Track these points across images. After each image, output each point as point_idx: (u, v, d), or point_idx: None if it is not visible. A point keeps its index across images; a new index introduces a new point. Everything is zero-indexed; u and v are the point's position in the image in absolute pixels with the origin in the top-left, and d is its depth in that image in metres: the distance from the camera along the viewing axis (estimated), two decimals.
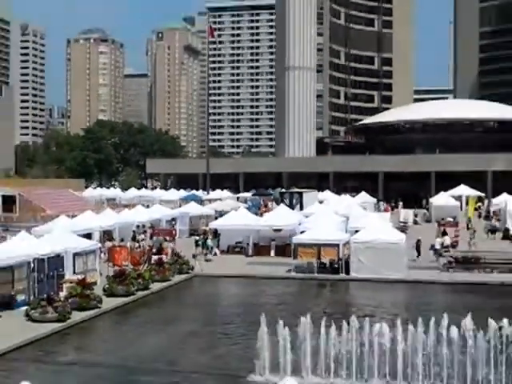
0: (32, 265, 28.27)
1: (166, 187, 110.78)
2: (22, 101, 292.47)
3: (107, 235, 45.17)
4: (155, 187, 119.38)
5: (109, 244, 41.37)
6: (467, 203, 76.81)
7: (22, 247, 28.94)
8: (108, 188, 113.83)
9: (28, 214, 59.34)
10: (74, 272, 31.19)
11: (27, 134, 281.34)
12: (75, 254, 32.05)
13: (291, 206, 65.78)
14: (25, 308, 26.05)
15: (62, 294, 27.33)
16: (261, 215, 57.62)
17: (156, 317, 28.40)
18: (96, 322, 26.97)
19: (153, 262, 36.90)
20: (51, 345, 23.09)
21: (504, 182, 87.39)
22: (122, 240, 45.24)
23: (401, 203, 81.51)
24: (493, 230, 58.71)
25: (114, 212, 54.54)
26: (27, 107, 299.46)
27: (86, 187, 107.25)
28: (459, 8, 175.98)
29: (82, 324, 25.91)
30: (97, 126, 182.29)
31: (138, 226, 51.36)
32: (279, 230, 45.71)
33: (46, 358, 21.66)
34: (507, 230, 56.74)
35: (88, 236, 39.07)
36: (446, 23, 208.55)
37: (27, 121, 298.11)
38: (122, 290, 30.59)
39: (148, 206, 63.49)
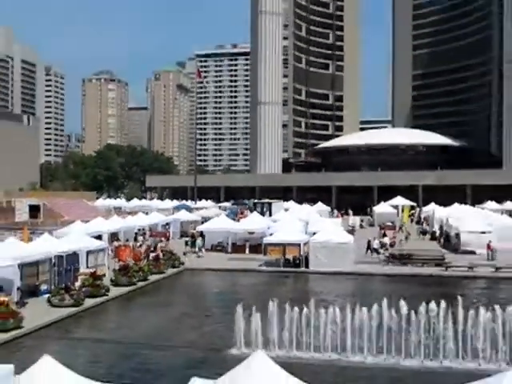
0: (53, 260, 28.29)
1: (161, 198, 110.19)
2: (46, 128, 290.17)
3: (114, 237, 44.88)
4: (153, 198, 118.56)
5: (115, 244, 41.14)
6: (403, 211, 77.64)
7: (45, 246, 28.86)
8: (115, 199, 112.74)
9: (50, 220, 58.85)
10: (87, 266, 31.00)
11: (50, 155, 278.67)
12: (88, 252, 31.88)
13: (262, 213, 65.84)
14: (47, 295, 25.95)
15: (77, 284, 27.14)
16: (238, 220, 57.53)
17: (153, 302, 28.33)
18: (104, 306, 26.86)
19: (151, 258, 36.83)
20: (68, 325, 23.04)
21: (432, 194, 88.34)
22: (126, 240, 44.96)
23: (351, 211, 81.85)
24: (423, 232, 59.52)
25: (120, 218, 54.16)
26: (50, 133, 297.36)
27: (97, 198, 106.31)
28: (396, 55, 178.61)
29: (93, 308, 25.81)
30: (106, 149, 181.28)
31: (139, 229, 51.12)
32: (252, 233, 45.77)
33: (63, 335, 21.62)
34: (434, 232, 57.46)
35: (99, 237, 38.82)
36: (386, 66, 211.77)
37: (50, 144, 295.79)
38: (126, 281, 30.50)
39: (147, 213, 62.99)
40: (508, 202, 79.18)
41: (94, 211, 64.68)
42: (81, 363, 16.34)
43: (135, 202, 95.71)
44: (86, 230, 38.34)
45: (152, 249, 40.19)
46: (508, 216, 58.14)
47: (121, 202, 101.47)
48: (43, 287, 27.22)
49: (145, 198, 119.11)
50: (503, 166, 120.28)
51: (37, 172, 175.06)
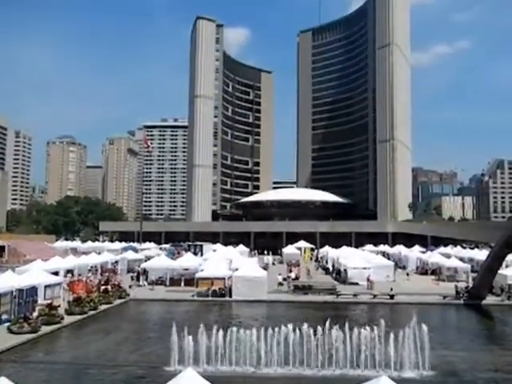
0: (14, 293, 26.30)
1: (112, 240, 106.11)
2: (14, 181, 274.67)
3: (69, 273, 42.45)
4: (105, 240, 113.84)
5: (70, 279, 38.88)
6: (304, 252, 78.94)
7: (7, 281, 26.90)
8: (71, 241, 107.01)
9: (14, 258, 55.20)
10: (45, 298, 29.10)
11: (16, 204, 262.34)
12: (46, 286, 30.03)
13: (195, 253, 64.88)
14: (7, 324, 23.92)
15: (35, 314, 25.28)
16: (175, 259, 56.28)
17: (101, 328, 26.76)
18: (59, 333, 25.04)
19: (101, 290, 35.03)
20: (25, 350, 21.24)
21: (326, 239, 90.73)
22: (79, 275, 42.63)
23: (266, 252, 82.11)
24: (322, 268, 60.53)
25: (75, 257, 51.40)
26: (16, 185, 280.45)
27: (56, 240, 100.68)
28: (300, 132, 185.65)
29: (48, 335, 23.99)
30: (65, 199, 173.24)
31: (91, 267, 48.70)
32: (187, 269, 44.86)
33: (21, 359, 19.86)
34: (328, 268, 58.66)
35: (56, 273, 36.65)
36: (293, 140, 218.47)
37: (16, 194, 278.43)
38: (78, 310, 28.76)
39: (99, 253, 60.27)
40: (381, 245, 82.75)
41: (53, 251, 61.07)
42: (35, 383, 15.02)
43: (89, 243, 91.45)
44: (45, 267, 36.19)
45: (103, 282, 38.32)
46: (382, 256, 60.46)
47: (77, 243, 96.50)
48: (4, 317, 25.12)
49: (98, 240, 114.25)
50: (377, 218, 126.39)
51: (3, 218, 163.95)
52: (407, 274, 50.87)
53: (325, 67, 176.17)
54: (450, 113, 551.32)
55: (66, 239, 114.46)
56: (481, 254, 57.41)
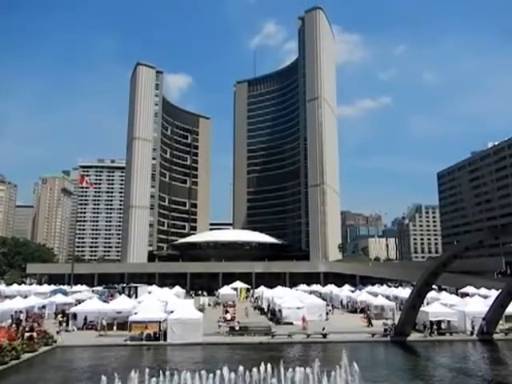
0: None
1: (40, 283, 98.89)
2: None
3: None
4: (32, 283, 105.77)
5: None
6: (241, 292, 78.05)
7: None
8: None
9: None
10: None
11: None
12: None
13: (129, 296, 62.04)
14: None
15: None
16: (108, 302, 53.23)
17: (24, 380, 24.30)
18: None
19: (25, 337, 32.06)
20: None
21: (262, 279, 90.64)
22: (0, 322, 38.88)
23: (202, 293, 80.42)
24: (258, 308, 59.84)
25: None
26: None
27: None
28: (236, 176, 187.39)
29: None
30: None
31: (15, 312, 44.70)
32: (120, 312, 42.51)
33: None
34: (263, 308, 58.14)
35: None
36: (229, 183, 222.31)
37: None
38: None
39: (26, 297, 55.72)
40: (314, 285, 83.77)
41: None
42: None
43: (15, 286, 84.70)
44: None
45: (27, 329, 35.16)
46: (314, 295, 60.93)
47: (1, 286, 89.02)
48: None
49: (25, 283, 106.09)
50: (310, 258, 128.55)
51: None
52: (327, 314, 51.51)
53: (260, 116, 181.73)
54: (374, 161, 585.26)
55: None
56: (404, 292, 59.68)
